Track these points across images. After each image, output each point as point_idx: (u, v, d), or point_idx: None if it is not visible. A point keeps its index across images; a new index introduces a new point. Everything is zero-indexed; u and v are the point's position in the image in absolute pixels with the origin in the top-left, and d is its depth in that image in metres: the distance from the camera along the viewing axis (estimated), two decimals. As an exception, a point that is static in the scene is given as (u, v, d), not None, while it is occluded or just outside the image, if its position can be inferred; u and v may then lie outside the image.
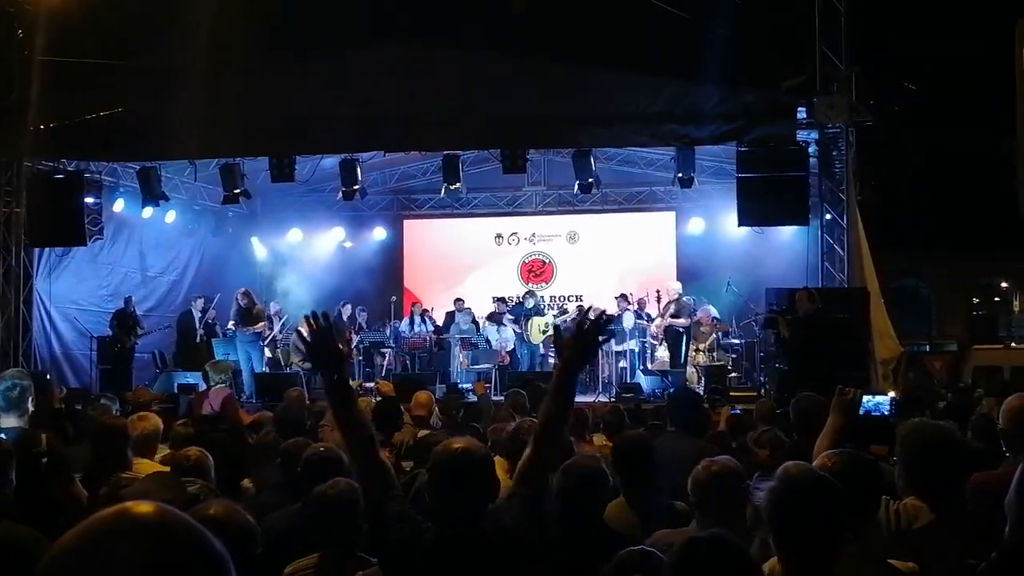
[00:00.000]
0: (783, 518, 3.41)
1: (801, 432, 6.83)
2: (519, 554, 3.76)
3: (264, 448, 7.59)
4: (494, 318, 21.04)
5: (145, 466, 6.38)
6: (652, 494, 5.66)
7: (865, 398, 5.91)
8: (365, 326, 21.19)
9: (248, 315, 19.29)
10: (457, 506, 3.82)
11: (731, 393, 16.35)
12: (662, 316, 19.26)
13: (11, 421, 6.38)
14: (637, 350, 20.01)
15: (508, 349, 20.43)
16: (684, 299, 19.34)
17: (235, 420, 8.86)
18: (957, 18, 24.10)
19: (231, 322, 19.65)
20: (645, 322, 20.03)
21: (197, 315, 20.57)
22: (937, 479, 4.44)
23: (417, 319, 21.33)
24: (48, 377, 16.30)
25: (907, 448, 4.65)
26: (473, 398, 13.24)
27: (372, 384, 10.01)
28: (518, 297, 22.29)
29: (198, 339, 20.29)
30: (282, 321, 20.61)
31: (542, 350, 20.24)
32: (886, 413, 5.92)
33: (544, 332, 19.73)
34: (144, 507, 1.50)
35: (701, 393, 16.83)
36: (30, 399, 6.71)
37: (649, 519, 5.29)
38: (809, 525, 3.37)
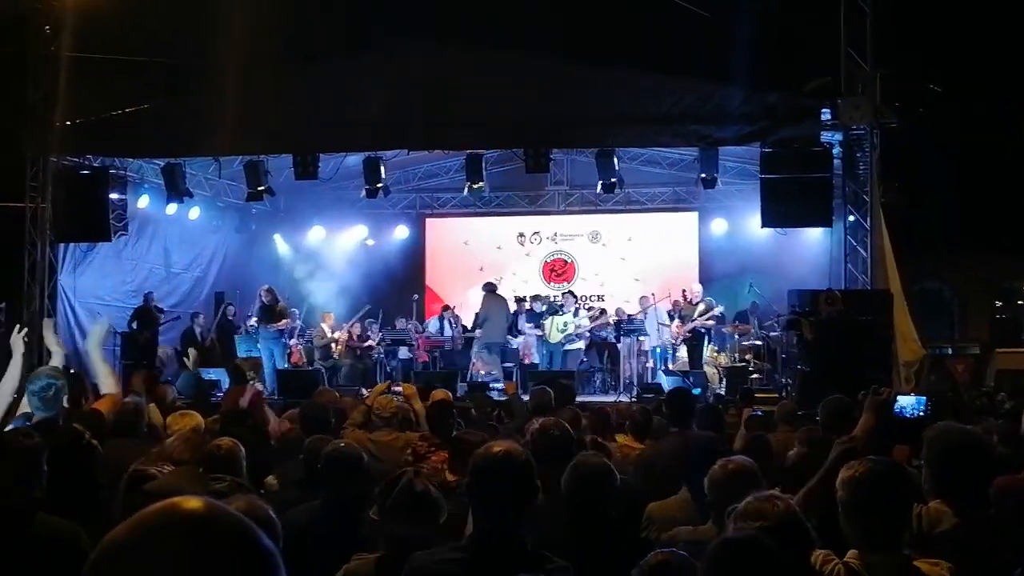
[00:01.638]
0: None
1: (829, 434, 6.83)
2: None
3: (288, 445, 7.63)
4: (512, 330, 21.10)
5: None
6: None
7: (900, 398, 5.90)
8: (378, 330, 21.14)
9: (271, 312, 19.38)
10: (495, 510, 3.84)
11: (754, 395, 16.32)
12: (682, 318, 19.24)
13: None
14: (659, 350, 20.02)
15: (531, 349, 20.50)
16: (707, 300, 19.37)
17: (259, 417, 8.87)
18: (983, 19, 23.96)
19: (253, 319, 19.73)
20: (668, 322, 20.02)
21: (197, 330, 20.77)
22: (963, 483, 4.44)
23: (446, 323, 21.41)
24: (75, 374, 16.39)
25: (934, 451, 4.64)
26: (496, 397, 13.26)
27: (399, 388, 9.99)
28: (549, 296, 22.27)
29: (202, 342, 20.41)
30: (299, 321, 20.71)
31: (563, 347, 20.25)
32: (921, 414, 5.90)
33: (563, 331, 19.69)
34: (193, 502, 1.52)
35: (723, 394, 16.92)
36: (64, 398, 6.77)
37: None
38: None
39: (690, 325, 18.92)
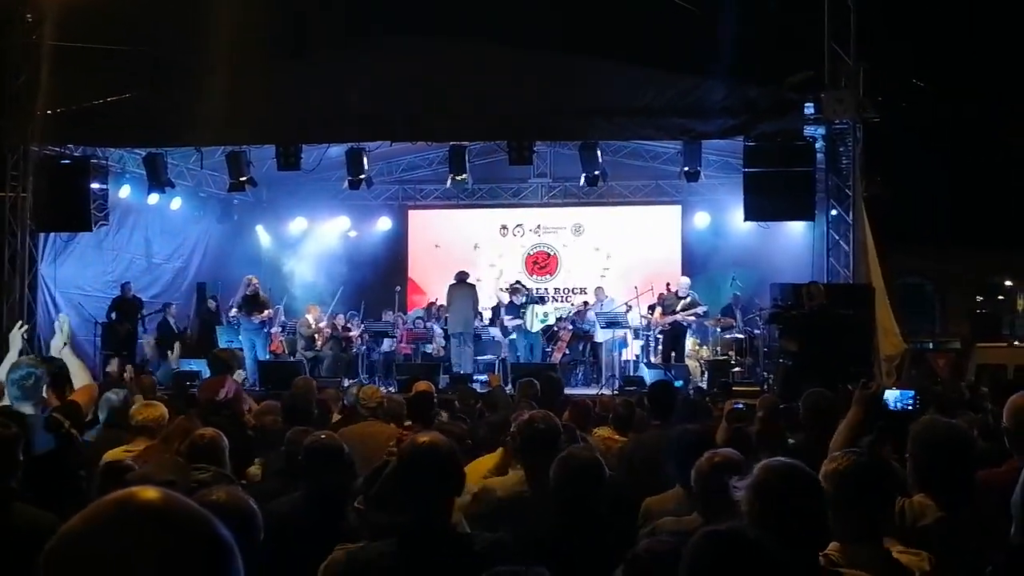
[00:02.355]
0: (763, 513, 3.45)
1: (811, 428, 6.86)
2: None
3: (269, 435, 7.62)
4: (496, 323, 21.11)
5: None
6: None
7: (887, 392, 5.94)
8: (359, 322, 21.11)
9: (254, 302, 19.33)
10: (421, 500, 3.93)
11: (734, 388, 16.36)
12: (664, 308, 19.25)
13: (27, 409, 6.41)
14: (643, 343, 20.05)
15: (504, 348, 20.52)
16: (693, 295, 19.42)
17: (237, 408, 8.87)
18: (967, 15, 24.05)
19: (234, 309, 19.67)
20: (650, 315, 20.03)
21: (171, 320, 20.83)
22: (947, 477, 4.46)
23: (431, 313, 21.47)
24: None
25: (918, 445, 4.67)
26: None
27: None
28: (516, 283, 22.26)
29: (179, 333, 20.43)
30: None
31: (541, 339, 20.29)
32: (909, 408, 5.93)
33: (543, 321, 19.70)
34: (149, 492, 1.52)
35: (704, 387, 16.96)
36: (44, 387, 6.76)
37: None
38: (789, 519, 3.41)
39: (671, 317, 18.92)
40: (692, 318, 19.17)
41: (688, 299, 19.13)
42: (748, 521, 3.47)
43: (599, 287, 21.81)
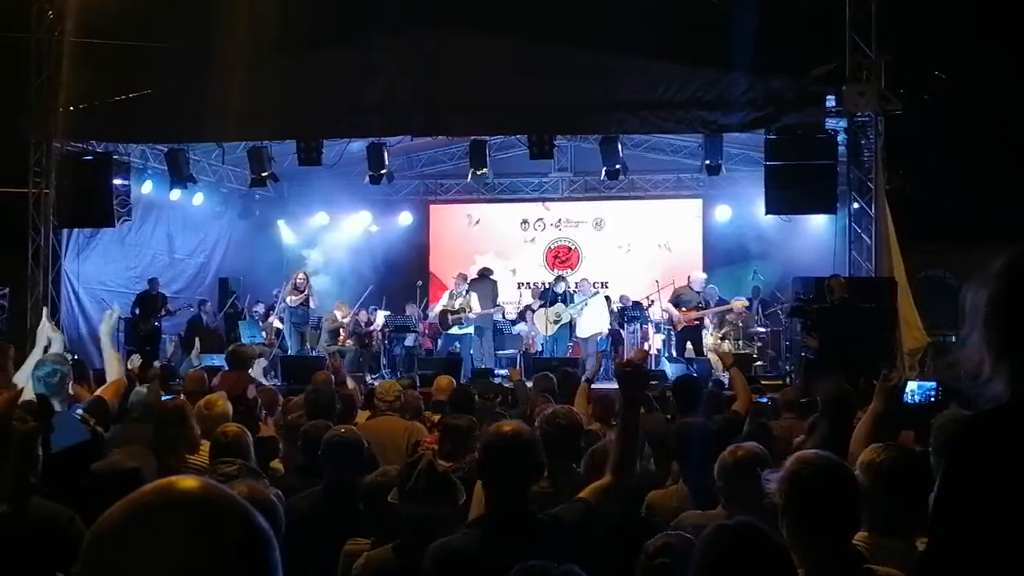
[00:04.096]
0: (799, 503, 3.44)
1: (832, 421, 6.83)
2: (563, 542, 3.87)
3: (292, 431, 7.63)
4: (524, 316, 21.14)
5: (205, 448, 6.49)
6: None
7: (909, 384, 5.92)
8: (383, 319, 21.14)
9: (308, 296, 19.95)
10: (505, 488, 4.03)
11: (760, 383, 16.33)
12: (682, 303, 19.16)
13: (54, 406, 6.44)
14: (664, 338, 20.00)
15: (536, 337, 20.48)
16: (709, 289, 19.34)
17: (250, 404, 8.90)
18: (991, 6, 23.91)
19: (288, 298, 19.84)
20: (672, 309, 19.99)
21: (205, 318, 20.99)
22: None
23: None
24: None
25: (941, 439, 4.65)
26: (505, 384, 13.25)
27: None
28: (544, 284, 22.27)
29: (208, 328, 20.56)
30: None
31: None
32: (931, 399, 5.91)
33: (556, 322, 19.60)
34: (189, 482, 1.52)
35: (725, 382, 16.91)
36: (70, 384, 6.80)
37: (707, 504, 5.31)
38: (824, 510, 3.41)
39: (696, 314, 18.78)
40: (731, 315, 19.14)
41: (698, 300, 19.02)
42: (780, 512, 3.48)
43: (583, 278, 21.67)
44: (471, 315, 19.58)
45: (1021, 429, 2.04)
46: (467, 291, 19.71)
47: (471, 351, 19.50)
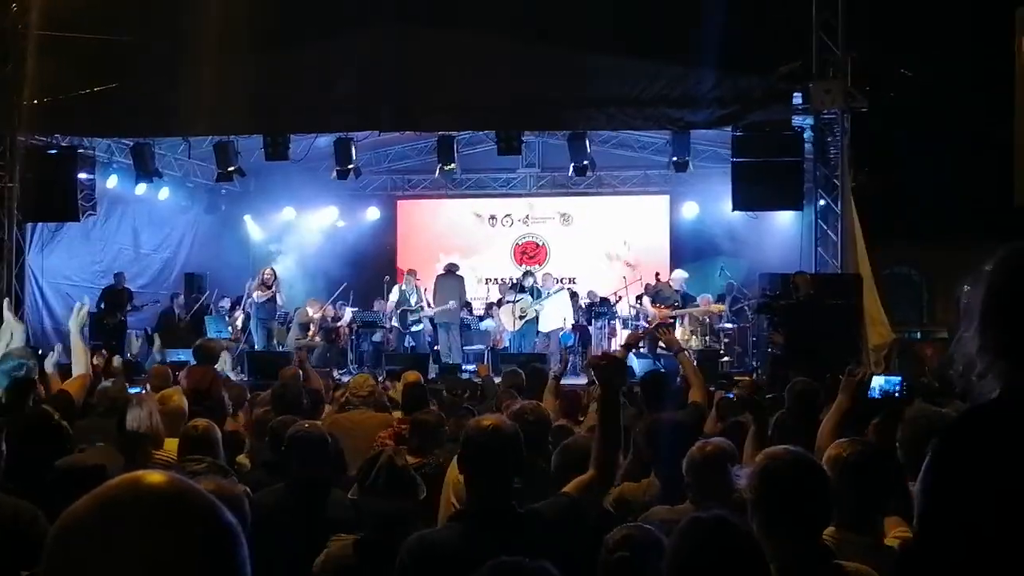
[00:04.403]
0: (768, 498, 3.45)
1: (798, 417, 6.88)
2: (546, 536, 3.87)
3: (259, 426, 7.61)
4: (492, 311, 21.15)
5: (171, 444, 6.45)
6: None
7: (875, 379, 5.95)
8: (350, 315, 21.07)
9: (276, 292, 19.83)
10: (487, 483, 4.01)
11: (721, 380, 16.39)
12: (661, 299, 19.19)
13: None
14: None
15: (504, 333, 20.48)
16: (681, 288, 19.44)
17: (217, 397, 8.86)
18: (956, 5, 24.06)
19: (255, 294, 19.73)
20: (639, 306, 20.03)
21: (177, 311, 20.83)
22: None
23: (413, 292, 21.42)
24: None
25: (909, 434, 4.68)
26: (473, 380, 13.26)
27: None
28: (512, 279, 22.26)
29: (179, 322, 20.47)
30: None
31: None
32: (896, 394, 5.93)
33: (523, 318, 19.60)
34: (156, 476, 1.51)
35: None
36: (35, 378, 6.76)
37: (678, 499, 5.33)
38: (794, 505, 3.42)
39: (676, 312, 18.80)
40: (711, 316, 19.22)
41: (701, 299, 19.12)
42: (751, 508, 3.49)
43: (547, 273, 21.72)
44: (427, 311, 19.72)
45: (1011, 424, 2.05)
46: (416, 288, 19.94)
47: (436, 347, 19.53)
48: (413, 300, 19.92)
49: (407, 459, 5.79)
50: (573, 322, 20.48)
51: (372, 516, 4.42)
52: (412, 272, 20.84)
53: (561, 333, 20.14)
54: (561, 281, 23.14)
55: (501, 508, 3.96)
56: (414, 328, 19.82)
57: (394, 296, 20.46)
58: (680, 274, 19.68)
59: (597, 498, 4.48)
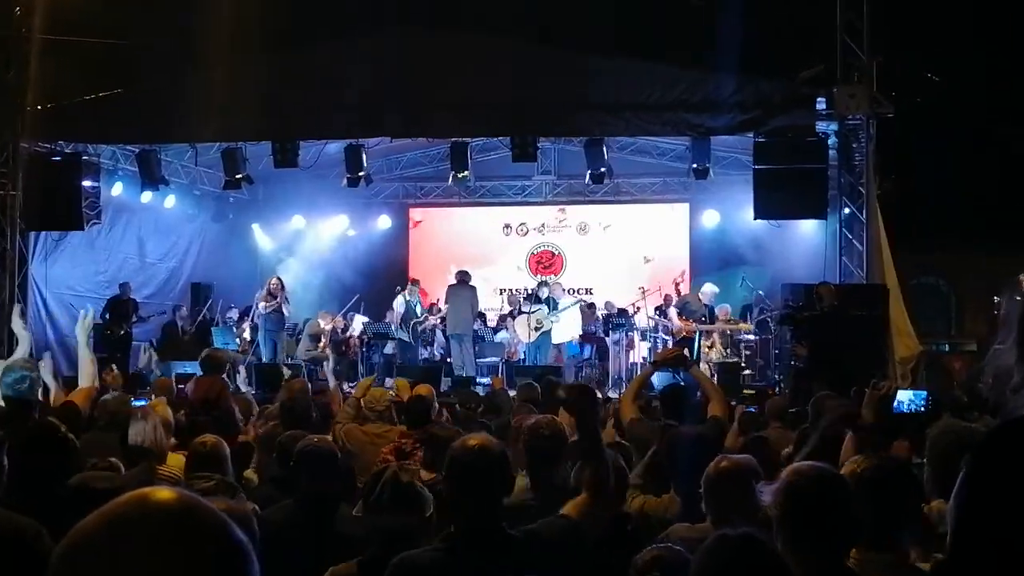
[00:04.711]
0: (794, 516, 3.45)
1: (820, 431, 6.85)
2: (540, 558, 3.84)
3: (267, 440, 7.62)
4: (502, 322, 21.16)
5: (173, 459, 6.44)
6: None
7: (900, 393, 5.93)
8: (360, 325, 21.07)
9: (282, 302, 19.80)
10: (474, 503, 3.93)
11: (744, 391, 16.36)
12: (689, 312, 19.08)
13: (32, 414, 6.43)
14: (650, 346, 19.98)
15: (519, 345, 20.46)
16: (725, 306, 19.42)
17: (226, 408, 8.87)
18: (985, 6, 24.00)
19: (260, 304, 19.76)
20: (659, 318, 19.99)
21: (180, 323, 20.81)
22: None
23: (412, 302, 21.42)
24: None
25: (937, 450, 4.66)
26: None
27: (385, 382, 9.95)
28: (527, 289, 22.22)
29: (183, 334, 20.49)
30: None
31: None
32: (921, 409, 5.91)
33: (538, 329, 19.54)
34: (165, 493, 1.51)
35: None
36: (39, 391, 6.77)
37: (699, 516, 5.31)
38: (820, 522, 3.41)
39: (703, 328, 18.73)
40: (734, 332, 19.19)
41: (721, 312, 19.09)
42: (776, 526, 3.47)
43: (556, 282, 21.67)
44: (431, 320, 19.75)
45: None
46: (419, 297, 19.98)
47: (449, 359, 19.54)
48: (419, 311, 19.91)
49: (421, 474, 5.81)
50: (580, 332, 20.46)
51: (376, 533, 4.42)
52: (415, 281, 20.83)
53: (571, 342, 20.13)
54: (577, 292, 23.13)
55: (488, 529, 3.91)
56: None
57: (398, 306, 20.46)
58: (711, 288, 19.54)
59: (599, 519, 4.45)
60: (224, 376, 11.04)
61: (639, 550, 3.92)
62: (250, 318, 20.86)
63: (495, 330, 21.85)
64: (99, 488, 4.92)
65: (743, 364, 18.74)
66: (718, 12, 16.75)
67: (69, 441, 5.25)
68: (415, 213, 25.36)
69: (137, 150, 18.98)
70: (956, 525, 2.06)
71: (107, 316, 19.13)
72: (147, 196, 19.82)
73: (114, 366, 12.89)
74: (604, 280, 23.76)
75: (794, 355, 15.66)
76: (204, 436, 6.16)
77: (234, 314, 21.54)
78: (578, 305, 20.68)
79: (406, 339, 20.47)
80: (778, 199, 16.90)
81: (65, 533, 1.50)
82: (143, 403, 8.48)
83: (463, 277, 20.05)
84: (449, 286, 20.13)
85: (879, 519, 3.88)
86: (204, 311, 21.30)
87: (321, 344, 20.33)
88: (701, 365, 18.21)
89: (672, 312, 19.26)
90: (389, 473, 4.47)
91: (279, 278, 20.32)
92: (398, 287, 21.91)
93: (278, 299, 19.69)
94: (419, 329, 20.24)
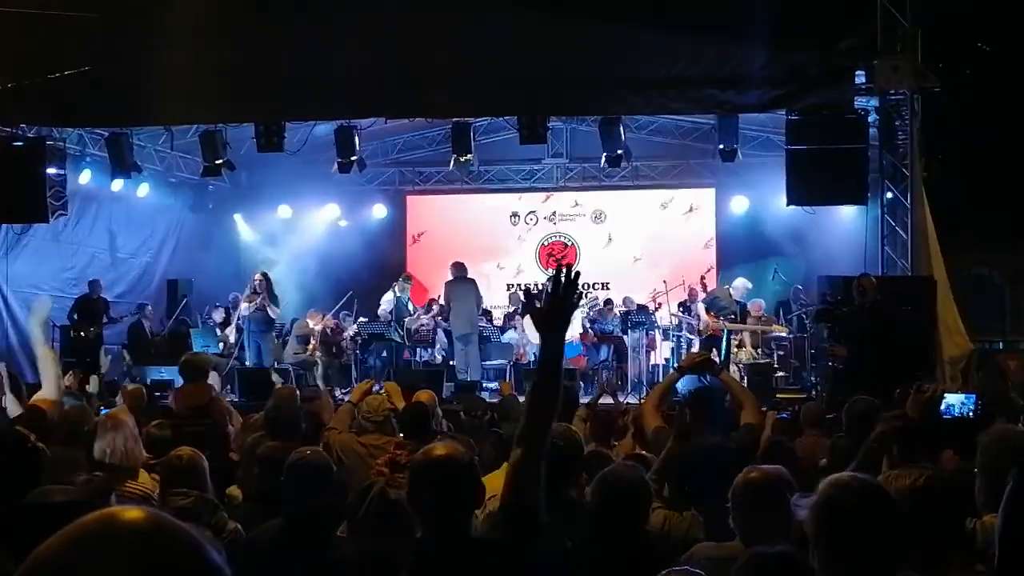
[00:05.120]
0: (832, 534, 3.43)
1: (855, 440, 6.85)
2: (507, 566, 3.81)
3: (252, 453, 7.62)
4: (510, 321, 21.17)
5: (145, 476, 6.44)
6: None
7: (948, 396, 5.92)
8: (354, 326, 21.04)
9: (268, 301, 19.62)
10: (438, 517, 3.92)
11: (778, 395, 16.35)
12: (718, 309, 19.05)
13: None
14: (673, 346, 19.98)
15: (528, 346, 20.48)
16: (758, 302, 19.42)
17: (219, 417, 8.87)
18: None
19: (243, 304, 19.71)
20: (682, 315, 19.99)
21: (147, 324, 20.82)
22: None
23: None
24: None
25: (989, 458, 4.64)
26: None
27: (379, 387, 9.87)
28: (536, 285, 22.23)
29: (152, 337, 20.49)
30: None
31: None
32: (970, 414, 5.91)
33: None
34: (134, 512, 1.52)
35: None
36: (3, 398, 6.79)
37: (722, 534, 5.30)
38: (861, 541, 3.39)
39: (734, 327, 18.69)
40: (772, 334, 19.17)
41: (754, 306, 19.06)
42: (812, 544, 3.46)
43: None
44: (424, 320, 19.77)
45: None
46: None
47: (452, 362, 19.56)
48: (411, 307, 19.92)
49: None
50: (580, 331, 20.50)
51: (364, 556, 4.40)
52: (408, 276, 20.82)
53: (572, 342, 20.17)
54: (592, 287, 23.11)
55: (456, 544, 3.89)
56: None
57: (386, 303, 20.41)
58: (743, 283, 19.49)
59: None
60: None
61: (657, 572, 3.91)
62: (234, 318, 20.82)
63: (502, 330, 21.83)
64: (56, 502, 4.91)
65: (776, 366, 18.73)
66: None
67: (39, 452, 5.23)
68: (413, 201, 25.34)
69: (107, 134, 18.97)
70: (1002, 541, 2.06)
71: (75, 317, 19.16)
72: (118, 185, 19.86)
73: (76, 371, 12.87)
74: (622, 274, 23.74)
75: (831, 355, 15.64)
76: (180, 448, 6.15)
77: (217, 314, 21.46)
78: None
79: (398, 339, 20.43)
80: (814, 183, 16.86)
81: (21, 550, 1.51)
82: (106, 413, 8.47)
83: (461, 271, 20.00)
84: (447, 282, 20.10)
85: (925, 537, 3.86)
86: (177, 310, 21.31)
87: (310, 346, 20.32)
88: (730, 368, 18.23)
89: (700, 308, 19.23)
90: (376, 489, 4.45)
91: (264, 274, 20.24)
92: (394, 283, 21.90)
93: (261, 297, 19.58)
94: (413, 328, 20.24)
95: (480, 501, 4.07)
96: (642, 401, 16.13)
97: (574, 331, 20.19)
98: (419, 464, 4.04)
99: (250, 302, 19.63)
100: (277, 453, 6.06)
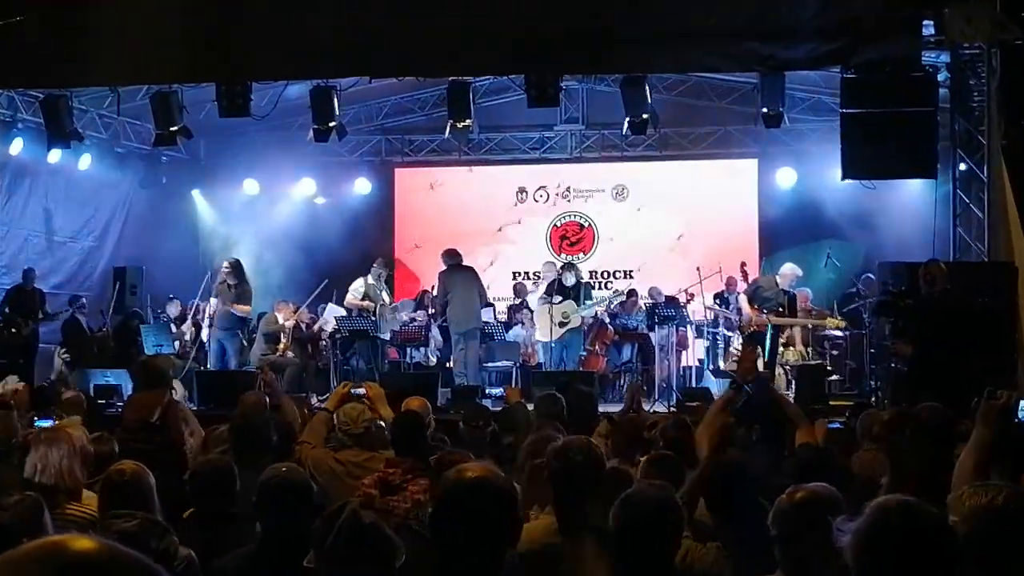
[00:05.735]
0: (875, 566, 3.45)
1: (920, 455, 6.88)
2: None
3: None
4: (516, 315, 21.19)
5: (89, 497, 6.46)
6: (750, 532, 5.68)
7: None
8: (333, 321, 21.00)
9: (235, 296, 19.47)
10: (468, 552, 3.89)
11: (830, 402, 16.35)
12: (761, 300, 18.95)
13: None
14: (708, 344, 19.98)
15: (537, 345, 20.47)
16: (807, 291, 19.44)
17: (175, 431, 8.90)
18: None
19: (213, 301, 19.64)
20: (719, 308, 20.00)
21: (83, 319, 20.85)
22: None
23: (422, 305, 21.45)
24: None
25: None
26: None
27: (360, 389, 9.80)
28: (559, 272, 22.19)
29: (91, 334, 20.50)
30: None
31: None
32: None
33: (564, 324, 19.45)
34: (83, 542, 1.55)
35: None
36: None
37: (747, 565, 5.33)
38: (907, 573, 3.40)
39: (780, 321, 18.56)
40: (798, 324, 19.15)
41: (803, 296, 19.06)
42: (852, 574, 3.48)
43: (549, 262, 21.67)
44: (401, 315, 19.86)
45: None
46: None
47: (448, 364, 19.60)
48: (385, 298, 19.93)
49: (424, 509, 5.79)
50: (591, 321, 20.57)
51: None
52: (383, 262, 20.74)
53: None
54: (614, 276, 23.15)
55: None
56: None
57: (355, 292, 20.31)
58: (792, 270, 19.08)
59: None
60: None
61: None
62: (191, 313, 20.79)
63: (506, 326, 21.78)
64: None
65: (829, 367, 18.73)
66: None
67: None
68: (402, 175, 25.35)
69: (42, 95, 18.97)
70: None
71: (6, 311, 19.17)
72: (55, 155, 19.87)
73: (14, 376, 12.90)
74: (648, 260, 23.75)
75: (894, 355, 15.67)
76: (122, 462, 6.15)
77: (174, 308, 21.41)
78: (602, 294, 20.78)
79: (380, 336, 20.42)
80: (873, 153, 16.86)
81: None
82: (48, 423, 8.51)
83: (456, 258, 19.83)
84: (442, 272, 19.89)
85: (1000, 568, 3.87)
86: (124, 303, 21.27)
87: (281, 345, 20.32)
88: (775, 371, 18.23)
89: (742, 299, 19.07)
90: (347, 512, 4.40)
91: (232, 262, 19.96)
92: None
93: (232, 290, 19.42)
94: (400, 326, 20.29)
95: (517, 537, 4.05)
96: (672, 409, 16.23)
97: (574, 323, 19.98)
98: (451, 486, 4.02)
99: (220, 296, 19.45)
100: (228, 468, 6.08)
